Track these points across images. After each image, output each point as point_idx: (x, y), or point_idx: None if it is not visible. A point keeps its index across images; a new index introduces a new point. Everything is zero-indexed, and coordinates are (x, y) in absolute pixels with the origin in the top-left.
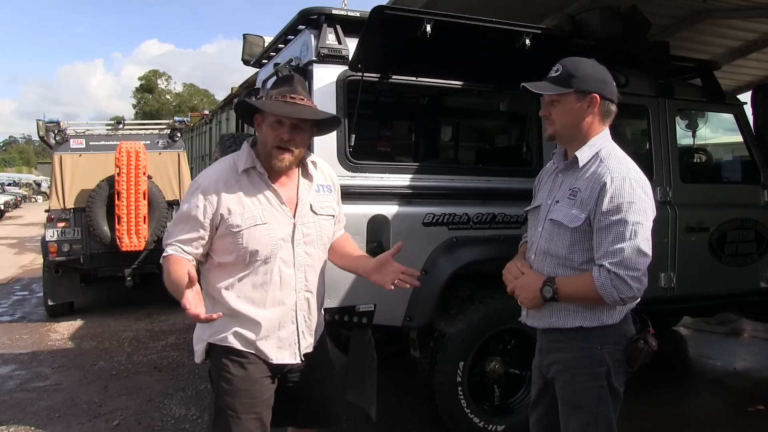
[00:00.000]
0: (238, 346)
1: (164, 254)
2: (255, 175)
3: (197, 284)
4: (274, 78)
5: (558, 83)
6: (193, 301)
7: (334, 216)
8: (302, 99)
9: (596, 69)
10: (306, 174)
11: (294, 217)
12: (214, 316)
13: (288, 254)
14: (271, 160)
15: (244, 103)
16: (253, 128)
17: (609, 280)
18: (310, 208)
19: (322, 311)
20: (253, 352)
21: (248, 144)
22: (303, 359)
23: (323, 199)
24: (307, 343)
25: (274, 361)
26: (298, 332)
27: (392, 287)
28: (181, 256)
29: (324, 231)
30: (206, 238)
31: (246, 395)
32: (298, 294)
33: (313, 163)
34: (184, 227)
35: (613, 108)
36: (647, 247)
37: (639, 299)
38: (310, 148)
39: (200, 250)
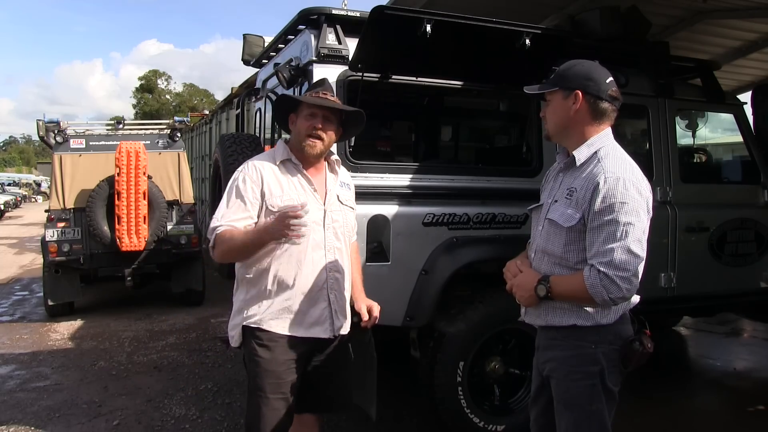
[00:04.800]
0: (269, 327)
1: (216, 232)
2: (290, 165)
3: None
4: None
5: (547, 83)
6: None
7: (353, 209)
8: (332, 96)
9: (585, 67)
10: (332, 169)
11: (324, 204)
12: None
13: (320, 236)
14: (304, 148)
15: (284, 97)
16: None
17: (598, 280)
18: (337, 198)
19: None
20: (283, 332)
21: (283, 141)
22: (335, 337)
23: (345, 193)
24: (341, 323)
25: (306, 335)
26: (331, 310)
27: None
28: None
29: (349, 220)
30: (254, 217)
31: (273, 376)
32: (328, 273)
33: (337, 161)
34: (234, 210)
35: (605, 106)
36: (638, 248)
37: (630, 300)
38: None
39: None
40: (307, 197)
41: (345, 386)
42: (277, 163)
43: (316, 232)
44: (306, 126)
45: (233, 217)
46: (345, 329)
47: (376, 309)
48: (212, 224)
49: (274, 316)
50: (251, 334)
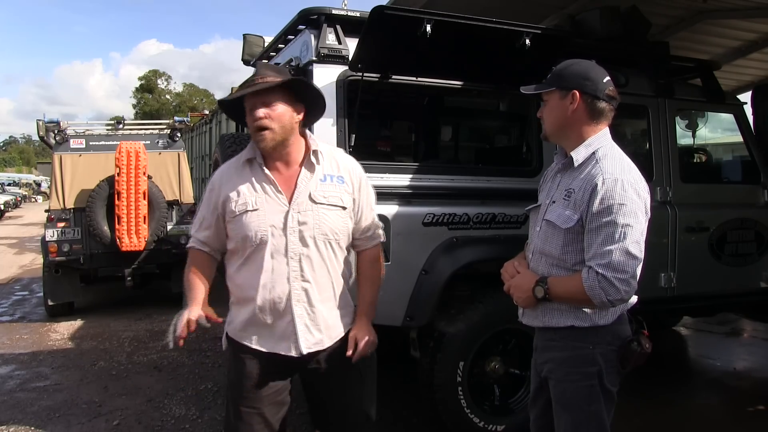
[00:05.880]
0: (238, 338)
1: (188, 246)
2: (255, 165)
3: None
4: None
5: (544, 83)
6: (185, 326)
7: (343, 207)
8: (263, 78)
9: (582, 67)
10: (309, 163)
11: (289, 204)
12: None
13: (280, 242)
14: (257, 144)
15: (222, 102)
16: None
17: (597, 282)
18: (309, 197)
19: (339, 311)
20: (250, 345)
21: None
22: (302, 355)
23: (328, 189)
24: (315, 339)
25: (272, 350)
26: (295, 324)
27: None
28: (200, 251)
29: (326, 221)
30: (214, 227)
31: (244, 389)
32: (292, 284)
33: (319, 152)
34: (200, 219)
35: (603, 105)
36: (637, 250)
37: (628, 301)
38: None
39: (216, 240)
40: (267, 198)
41: (345, 412)
42: (241, 164)
43: (276, 236)
44: (250, 122)
45: (201, 232)
46: (321, 345)
47: (363, 344)
48: (191, 230)
49: (242, 327)
50: (230, 341)
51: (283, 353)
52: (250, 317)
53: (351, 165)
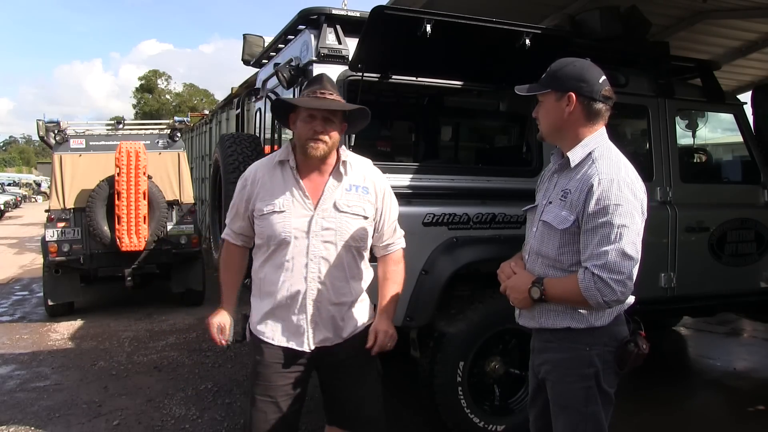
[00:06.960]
0: (257, 329)
1: (222, 237)
2: (287, 167)
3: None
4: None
5: (540, 84)
6: (217, 332)
7: (365, 217)
8: (330, 94)
9: (578, 68)
10: (337, 173)
11: (314, 209)
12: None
13: (303, 244)
14: (306, 150)
15: (279, 101)
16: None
17: (593, 283)
18: (334, 204)
19: (353, 311)
20: (268, 337)
21: (290, 141)
22: (314, 351)
23: (352, 198)
24: (323, 336)
25: (282, 345)
26: (307, 321)
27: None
28: (234, 244)
29: (348, 228)
30: (246, 220)
31: (261, 378)
32: (309, 283)
33: (347, 162)
34: (234, 211)
35: (599, 106)
36: (633, 251)
37: (624, 302)
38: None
39: (249, 229)
40: (294, 202)
41: (359, 407)
42: (274, 164)
43: (299, 238)
44: (306, 129)
45: (235, 223)
46: (329, 342)
47: (383, 336)
48: (225, 220)
49: (262, 320)
50: (252, 333)
51: (294, 347)
52: (268, 310)
53: (376, 176)
